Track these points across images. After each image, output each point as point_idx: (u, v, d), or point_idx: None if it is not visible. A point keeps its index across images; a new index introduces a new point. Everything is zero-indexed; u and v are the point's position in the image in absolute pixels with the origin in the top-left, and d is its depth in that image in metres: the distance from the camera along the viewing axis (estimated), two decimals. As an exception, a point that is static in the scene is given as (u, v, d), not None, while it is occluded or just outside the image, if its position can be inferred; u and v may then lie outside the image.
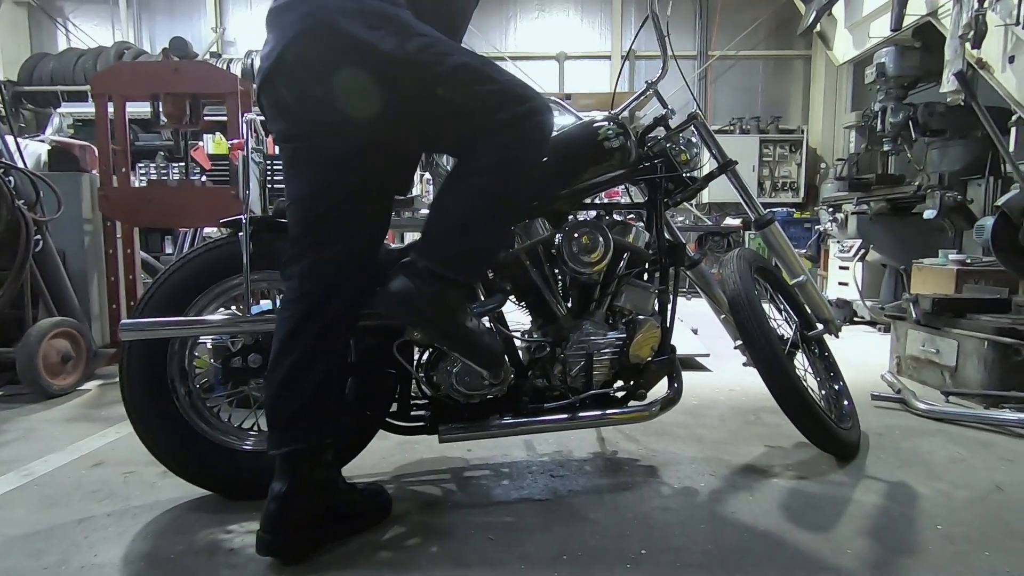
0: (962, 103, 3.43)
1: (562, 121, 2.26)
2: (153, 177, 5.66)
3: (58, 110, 6.85)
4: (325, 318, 1.38)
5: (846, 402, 2.09)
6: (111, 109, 3.06)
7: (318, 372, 1.37)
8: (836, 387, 2.12)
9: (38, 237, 2.78)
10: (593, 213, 1.81)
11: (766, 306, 2.06)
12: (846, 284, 4.70)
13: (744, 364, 1.97)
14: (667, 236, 1.79)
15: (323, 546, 1.39)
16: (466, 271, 1.41)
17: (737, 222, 7.07)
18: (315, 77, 1.27)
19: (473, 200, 1.37)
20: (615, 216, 1.80)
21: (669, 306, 1.77)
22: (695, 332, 3.68)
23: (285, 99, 1.32)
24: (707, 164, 1.93)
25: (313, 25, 1.26)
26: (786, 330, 2.08)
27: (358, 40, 1.24)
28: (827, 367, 2.17)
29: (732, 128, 7.84)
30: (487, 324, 1.60)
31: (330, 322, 1.39)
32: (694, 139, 1.82)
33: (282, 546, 1.34)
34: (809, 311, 2.08)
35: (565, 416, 1.68)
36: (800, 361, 2.05)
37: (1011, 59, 3.25)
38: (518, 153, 1.36)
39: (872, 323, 4.47)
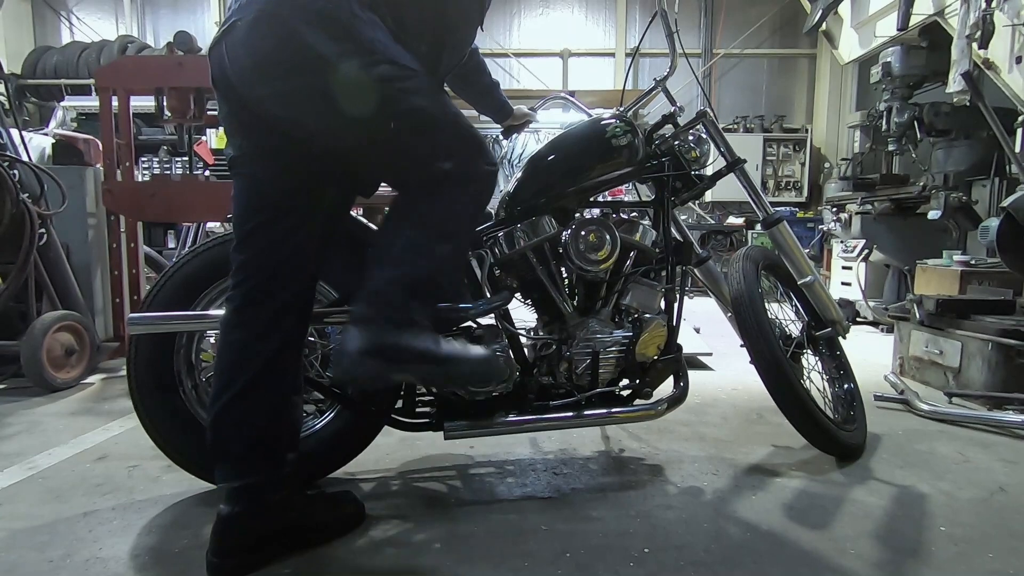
0: (968, 103, 3.43)
1: (571, 118, 2.26)
2: (156, 171, 5.68)
3: (62, 104, 6.85)
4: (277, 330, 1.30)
5: (854, 404, 2.07)
6: (115, 103, 3.06)
7: (271, 396, 1.29)
8: (845, 387, 2.10)
9: (42, 231, 2.79)
10: (598, 211, 1.81)
11: (777, 304, 2.05)
12: (849, 284, 4.70)
13: (750, 362, 1.97)
14: (675, 234, 1.78)
15: (280, 560, 1.32)
16: (417, 310, 1.28)
17: (739, 221, 7.07)
18: (263, 76, 1.19)
19: (409, 250, 1.28)
20: (622, 214, 1.80)
21: (676, 304, 1.77)
22: (697, 331, 3.68)
23: (234, 91, 1.24)
24: (713, 162, 1.92)
25: (267, 22, 1.16)
26: (798, 328, 2.07)
27: (314, 51, 1.15)
28: (838, 367, 2.15)
29: (736, 127, 7.83)
30: (486, 322, 1.58)
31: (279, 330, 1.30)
32: (703, 136, 1.80)
33: (233, 570, 1.26)
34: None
35: (570, 414, 1.67)
36: (808, 360, 2.05)
37: (1018, 59, 3.24)
38: (458, 210, 1.31)
39: (875, 323, 4.47)
